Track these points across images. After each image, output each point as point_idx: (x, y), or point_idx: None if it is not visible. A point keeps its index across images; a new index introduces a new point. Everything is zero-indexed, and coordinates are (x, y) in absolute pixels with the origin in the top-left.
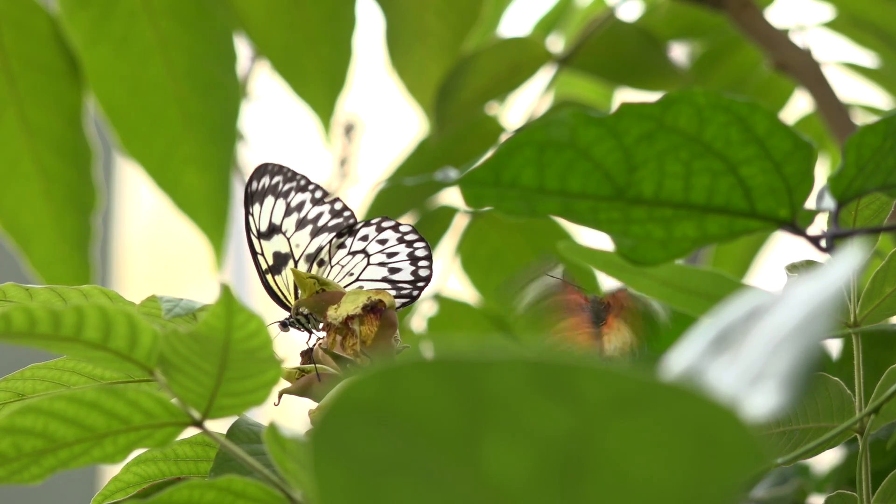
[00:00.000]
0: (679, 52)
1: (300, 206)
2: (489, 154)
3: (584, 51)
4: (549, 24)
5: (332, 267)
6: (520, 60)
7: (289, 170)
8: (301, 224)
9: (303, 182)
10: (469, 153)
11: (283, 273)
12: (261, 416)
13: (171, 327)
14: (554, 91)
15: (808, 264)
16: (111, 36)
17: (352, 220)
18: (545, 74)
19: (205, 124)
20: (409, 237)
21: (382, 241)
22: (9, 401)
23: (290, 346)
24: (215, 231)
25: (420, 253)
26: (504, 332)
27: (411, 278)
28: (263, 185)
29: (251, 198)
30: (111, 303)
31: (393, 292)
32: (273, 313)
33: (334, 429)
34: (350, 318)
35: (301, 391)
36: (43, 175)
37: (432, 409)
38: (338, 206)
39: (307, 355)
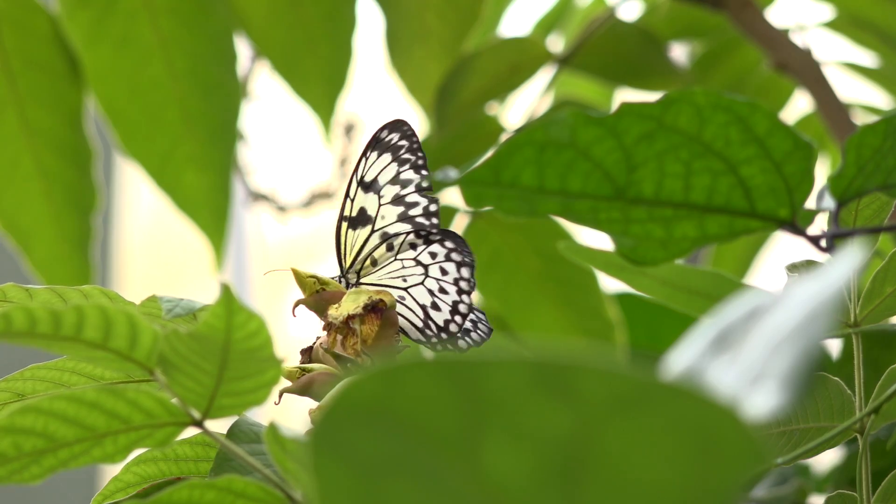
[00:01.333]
0: (679, 52)
1: (406, 184)
2: (489, 154)
3: (584, 51)
4: (549, 24)
5: (395, 260)
6: (520, 60)
7: (417, 140)
8: (397, 201)
9: (420, 162)
10: (469, 153)
11: (358, 232)
12: (261, 416)
13: (171, 327)
14: (554, 91)
15: (808, 264)
16: (111, 36)
17: (433, 230)
18: (545, 74)
19: (205, 124)
20: (462, 284)
21: (444, 271)
22: (9, 401)
23: (291, 346)
24: (215, 231)
25: (461, 308)
26: (504, 332)
27: (441, 324)
28: (391, 140)
29: (374, 144)
30: (111, 303)
31: (420, 323)
32: (273, 314)
33: (335, 428)
34: (351, 317)
35: (301, 390)
36: (43, 175)
37: (433, 409)
38: (433, 207)
39: (307, 354)
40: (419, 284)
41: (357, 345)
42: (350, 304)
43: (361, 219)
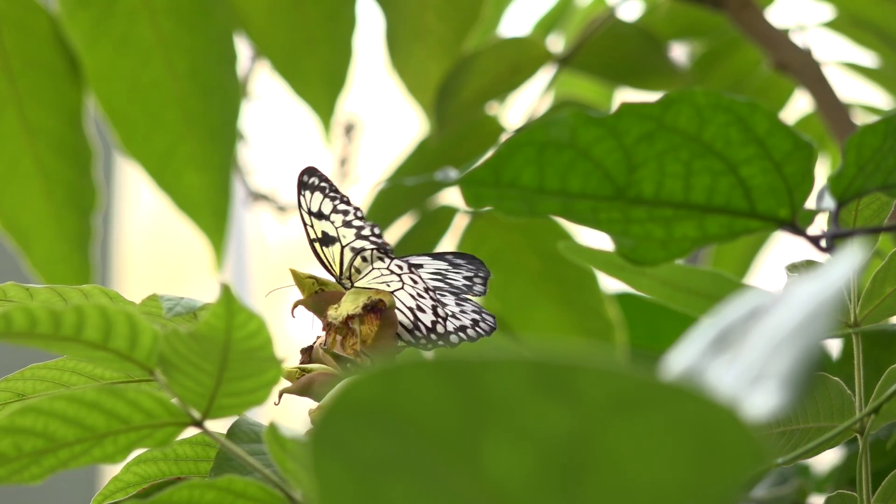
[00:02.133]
0: (679, 52)
1: (346, 213)
2: (489, 154)
3: (584, 51)
4: (549, 24)
5: (372, 269)
6: (520, 60)
7: (330, 183)
8: (347, 224)
9: (345, 199)
10: (469, 153)
11: (331, 248)
12: (261, 416)
13: (171, 327)
14: (554, 91)
15: (808, 264)
16: (111, 36)
17: (389, 251)
18: (545, 74)
19: (205, 124)
20: (430, 293)
21: (414, 281)
22: (9, 401)
23: (290, 346)
24: (215, 231)
25: (440, 311)
26: (504, 332)
27: (429, 325)
28: (314, 182)
29: (301, 186)
30: (111, 302)
31: (410, 325)
32: (273, 314)
33: (335, 428)
34: (350, 317)
35: (301, 391)
36: (43, 175)
37: (433, 409)
38: (371, 232)
39: (307, 353)
40: (401, 289)
41: (357, 345)
42: (349, 304)
43: (328, 240)
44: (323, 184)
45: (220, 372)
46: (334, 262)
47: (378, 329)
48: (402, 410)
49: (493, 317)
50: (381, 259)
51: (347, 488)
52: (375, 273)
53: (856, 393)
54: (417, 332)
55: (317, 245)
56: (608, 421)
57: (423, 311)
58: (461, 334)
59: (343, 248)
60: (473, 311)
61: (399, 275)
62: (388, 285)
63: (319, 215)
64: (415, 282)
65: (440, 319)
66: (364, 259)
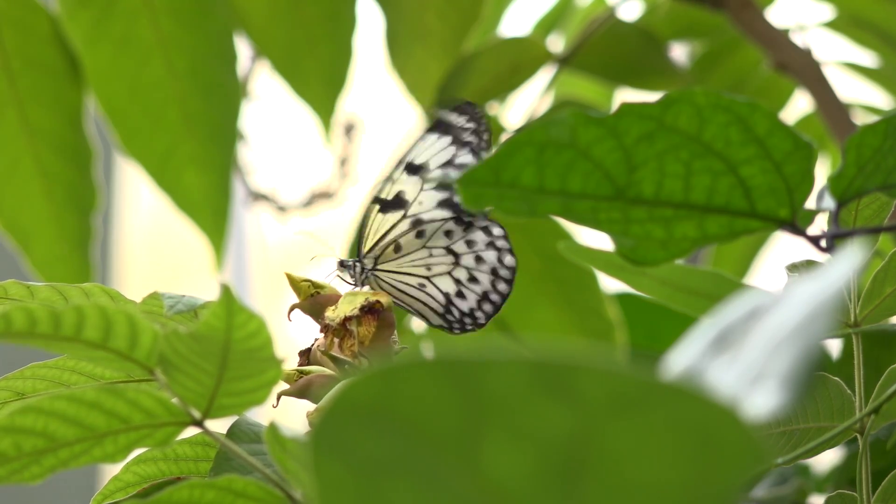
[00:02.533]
0: (679, 52)
1: (460, 168)
2: (489, 154)
3: (584, 51)
4: (549, 24)
5: (422, 248)
6: (520, 60)
7: (485, 123)
8: (443, 186)
9: (483, 146)
10: None
11: (387, 216)
12: (261, 416)
13: (171, 327)
14: (554, 91)
15: (808, 264)
16: (111, 36)
17: (478, 218)
18: (545, 74)
19: (205, 124)
20: (503, 272)
21: (480, 259)
22: (9, 400)
23: (290, 347)
24: (215, 231)
25: (493, 297)
26: (504, 332)
27: (465, 311)
28: (458, 123)
29: (438, 126)
30: (112, 301)
31: (441, 309)
32: (272, 314)
33: (335, 428)
34: (348, 319)
35: (299, 393)
36: (43, 175)
37: (432, 409)
38: None
39: (306, 356)
40: (445, 274)
41: (354, 346)
42: (347, 306)
43: (395, 203)
44: (469, 124)
45: (220, 372)
46: (377, 232)
47: (375, 330)
48: (401, 410)
49: (511, 252)
50: (449, 234)
51: (347, 488)
52: (422, 253)
53: (856, 393)
54: (449, 316)
55: (375, 208)
56: (608, 421)
57: (462, 297)
58: (485, 306)
59: (405, 217)
60: (490, 250)
61: (459, 254)
62: (429, 268)
63: (417, 169)
64: (480, 260)
65: (489, 304)
66: (420, 235)
